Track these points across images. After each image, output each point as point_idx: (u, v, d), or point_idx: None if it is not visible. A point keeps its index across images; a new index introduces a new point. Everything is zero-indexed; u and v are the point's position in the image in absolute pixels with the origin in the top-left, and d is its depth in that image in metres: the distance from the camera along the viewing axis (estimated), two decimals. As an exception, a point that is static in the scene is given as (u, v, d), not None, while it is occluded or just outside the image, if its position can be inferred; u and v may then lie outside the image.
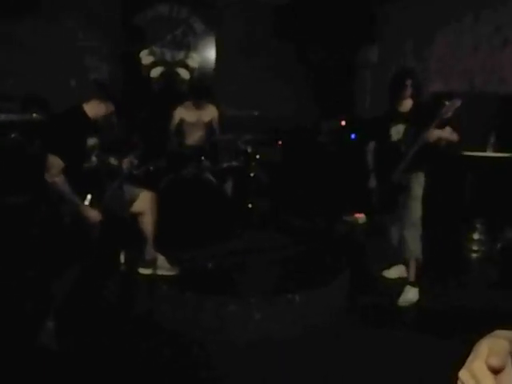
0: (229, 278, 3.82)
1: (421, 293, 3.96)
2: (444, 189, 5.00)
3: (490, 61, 5.65)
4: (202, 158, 5.12)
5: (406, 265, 4.10)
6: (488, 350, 0.55)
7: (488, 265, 4.91)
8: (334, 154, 6.85)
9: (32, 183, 4.10)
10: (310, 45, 7.34)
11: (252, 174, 5.57)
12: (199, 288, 3.54)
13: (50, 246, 3.59)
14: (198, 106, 5.33)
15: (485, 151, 5.10)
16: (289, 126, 6.70)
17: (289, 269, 4.06)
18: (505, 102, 5.16)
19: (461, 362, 0.59)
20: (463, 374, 0.56)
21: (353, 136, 6.95)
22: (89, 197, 3.43)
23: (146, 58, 6.92)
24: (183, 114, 5.37)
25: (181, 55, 7.09)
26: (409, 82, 3.81)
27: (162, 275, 3.75)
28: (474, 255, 5.15)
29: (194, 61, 7.14)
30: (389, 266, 4.42)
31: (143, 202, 3.74)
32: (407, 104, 3.86)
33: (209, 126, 5.47)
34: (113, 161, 3.72)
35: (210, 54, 7.17)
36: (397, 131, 3.89)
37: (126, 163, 3.79)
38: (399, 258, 4.23)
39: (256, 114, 6.61)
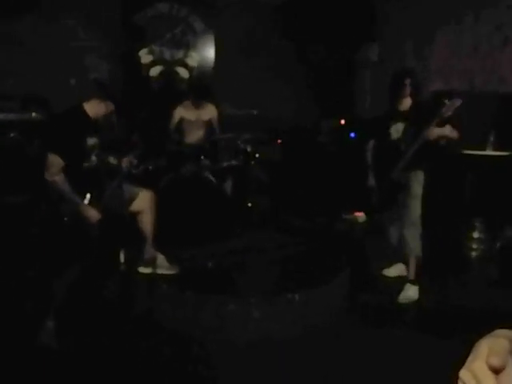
0: (228, 278, 3.82)
1: (420, 291, 3.97)
2: (444, 187, 5.00)
3: (490, 60, 5.64)
4: (202, 157, 5.11)
5: (406, 263, 4.11)
6: (488, 349, 0.54)
7: (488, 263, 4.91)
8: (333, 153, 6.85)
9: (32, 183, 4.10)
10: (309, 44, 7.33)
11: (252, 173, 5.57)
12: (199, 287, 3.54)
13: (50, 246, 3.59)
14: (198, 105, 5.33)
15: (484, 150, 5.10)
16: (288, 126, 6.69)
17: (289, 268, 4.06)
18: (504, 101, 5.16)
19: (461, 361, 0.59)
20: (464, 373, 0.56)
21: (352, 135, 6.95)
22: (88, 196, 3.43)
23: (145, 56, 6.92)
24: (183, 113, 5.37)
25: (180, 54, 7.09)
26: (408, 81, 3.83)
27: (162, 274, 3.75)
28: (474, 254, 5.15)
29: (193, 60, 7.14)
30: (389, 265, 4.42)
31: (142, 201, 3.74)
32: (407, 103, 3.88)
33: (208, 125, 5.47)
34: (112, 160, 3.71)
35: (209, 52, 7.16)
36: (396, 130, 3.91)
37: (125, 162, 3.79)
38: (399, 257, 4.23)
39: (255, 113, 6.61)
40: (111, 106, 3.57)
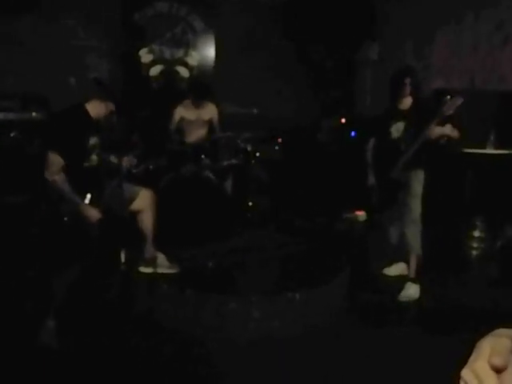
0: (229, 277, 3.82)
1: (421, 291, 3.97)
2: (444, 186, 5.00)
3: (490, 59, 5.64)
4: (202, 156, 5.11)
5: (407, 262, 4.11)
6: (490, 349, 0.54)
7: (488, 262, 4.91)
8: (334, 152, 6.85)
9: (32, 182, 4.10)
10: (310, 43, 7.33)
11: (252, 172, 5.57)
12: (199, 286, 3.54)
13: (50, 246, 3.59)
14: (198, 104, 5.32)
15: (485, 148, 5.10)
16: (289, 125, 6.69)
17: (289, 267, 4.06)
18: (505, 99, 5.16)
19: (462, 360, 0.58)
20: (466, 373, 0.55)
21: (353, 134, 6.95)
22: (89, 196, 3.43)
23: (145, 56, 6.92)
24: (183, 112, 5.37)
25: (180, 53, 7.08)
26: (408, 81, 3.83)
27: (162, 274, 3.75)
28: (474, 253, 5.15)
29: (193, 59, 7.13)
30: (389, 264, 4.42)
31: (143, 201, 3.73)
32: (407, 102, 3.88)
33: (208, 125, 5.47)
34: (113, 159, 3.71)
35: (209, 52, 7.15)
36: (397, 129, 3.91)
37: (125, 162, 3.78)
38: (400, 256, 4.23)
39: (256, 112, 6.61)
40: (112, 106, 3.57)
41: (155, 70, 6.99)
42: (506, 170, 4.92)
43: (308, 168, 6.56)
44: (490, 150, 5.09)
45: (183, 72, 7.10)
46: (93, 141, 3.51)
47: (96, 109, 3.52)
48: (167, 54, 7.01)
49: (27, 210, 4.21)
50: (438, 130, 3.67)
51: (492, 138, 5.09)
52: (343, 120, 7.11)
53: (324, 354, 3.08)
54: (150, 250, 3.80)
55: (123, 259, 3.38)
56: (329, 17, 7.05)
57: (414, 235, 3.93)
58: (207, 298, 3.39)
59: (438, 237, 4.84)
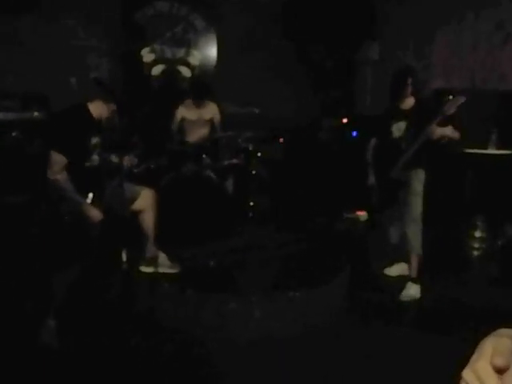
0: (230, 276, 3.81)
1: (422, 290, 3.97)
2: (445, 186, 5.00)
3: (490, 59, 5.64)
4: (203, 155, 5.11)
5: (408, 262, 4.11)
6: (492, 349, 0.54)
7: (489, 262, 4.91)
8: (335, 152, 6.85)
9: (32, 182, 4.10)
10: (310, 43, 7.32)
11: (253, 172, 5.57)
12: (200, 286, 3.54)
13: (50, 246, 3.58)
14: (199, 103, 5.32)
15: (486, 148, 5.10)
16: (290, 124, 6.68)
17: (290, 266, 4.05)
18: (505, 99, 5.15)
19: (463, 361, 0.58)
20: (467, 373, 0.55)
21: (354, 133, 6.94)
22: (90, 195, 3.42)
23: (147, 55, 6.91)
24: (184, 112, 5.37)
25: (181, 53, 7.07)
26: (409, 80, 3.83)
27: (163, 273, 3.75)
28: (475, 252, 5.15)
29: (194, 58, 7.12)
30: (390, 264, 4.42)
31: (144, 200, 3.73)
32: (409, 102, 3.88)
33: (210, 124, 5.47)
34: (114, 158, 3.71)
35: (211, 51, 7.14)
36: (398, 128, 3.90)
37: (126, 161, 3.78)
38: (400, 256, 4.23)
39: (257, 111, 6.60)
40: (113, 106, 3.57)
41: (157, 70, 6.98)
42: (506, 170, 4.92)
43: (309, 168, 6.55)
44: (490, 150, 5.09)
45: (185, 72, 7.09)
46: (94, 141, 3.51)
47: (99, 109, 3.52)
48: (169, 53, 7.01)
49: (27, 209, 4.21)
50: (439, 131, 3.66)
51: (494, 137, 5.08)
52: (345, 120, 7.10)
53: (324, 354, 3.08)
54: (151, 249, 3.81)
55: (124, 259, 3.38)
56: (329, 17, 7.04)
57: (414, 235, 3.93)
58: (208, 297, 3.39)
59: (439, 237, 4.84)
